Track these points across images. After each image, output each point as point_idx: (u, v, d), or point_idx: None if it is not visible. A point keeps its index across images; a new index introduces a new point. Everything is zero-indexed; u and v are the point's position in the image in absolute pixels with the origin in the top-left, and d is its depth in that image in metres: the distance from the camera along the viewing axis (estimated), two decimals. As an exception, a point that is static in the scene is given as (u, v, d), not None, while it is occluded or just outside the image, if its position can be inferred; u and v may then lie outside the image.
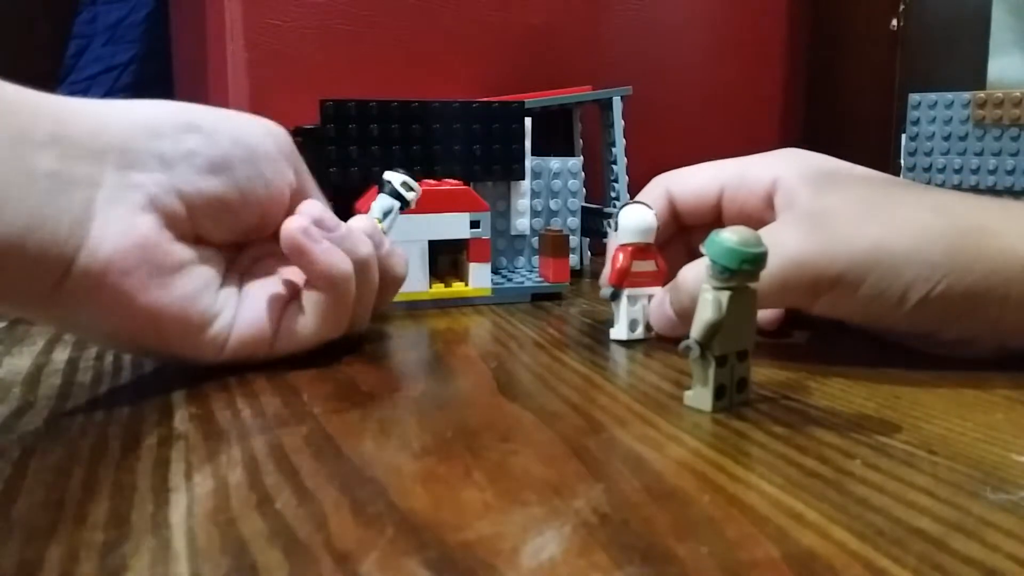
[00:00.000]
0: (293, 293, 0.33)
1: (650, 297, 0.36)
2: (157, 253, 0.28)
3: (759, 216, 0.36)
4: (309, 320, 0.32)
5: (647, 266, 0.36)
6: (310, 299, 0.32)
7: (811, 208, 0.33)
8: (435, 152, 0.48)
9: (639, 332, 0.37)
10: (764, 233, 0.31)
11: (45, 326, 0.39)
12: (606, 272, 0.37)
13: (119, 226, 0.27)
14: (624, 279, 0.36)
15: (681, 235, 0.40)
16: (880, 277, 0.30)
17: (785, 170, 0.35)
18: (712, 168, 0.38)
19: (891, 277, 0.30)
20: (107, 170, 0.27)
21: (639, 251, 0.36)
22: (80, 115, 0.27)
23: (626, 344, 0.36)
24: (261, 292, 0.32)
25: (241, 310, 0.31)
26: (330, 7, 0.62)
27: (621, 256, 0.36)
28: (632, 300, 0.36)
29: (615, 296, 0.36)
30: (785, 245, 0.30)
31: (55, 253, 0.26)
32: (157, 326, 0.29)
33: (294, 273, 0.33)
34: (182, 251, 0.29)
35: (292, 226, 0.31)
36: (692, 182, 0.38)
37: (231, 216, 0.31)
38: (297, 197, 0.34)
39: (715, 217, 0.38)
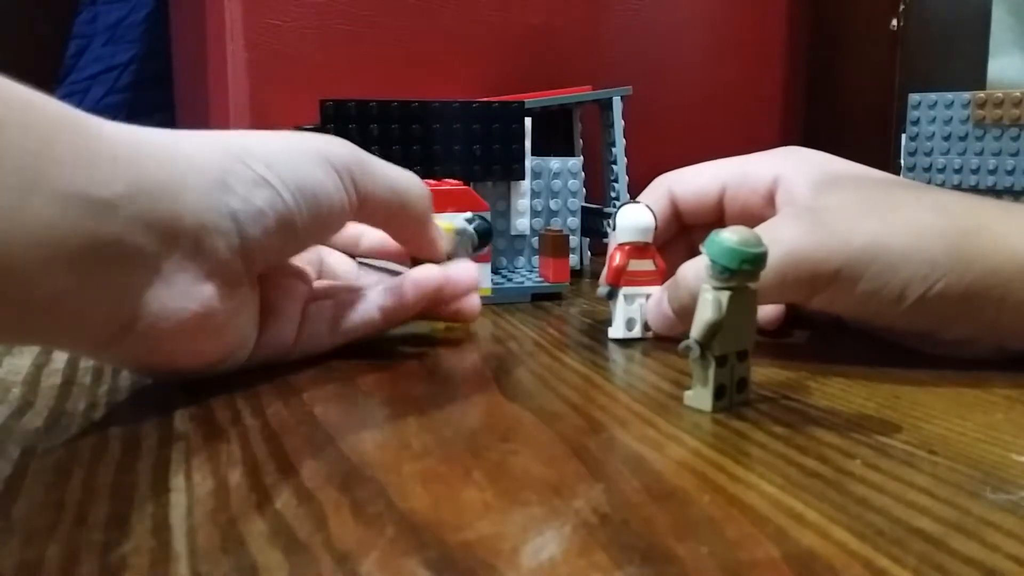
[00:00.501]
0: (310, 297, 0.33)
1: (647, 296, 0.36)
2: (215, 317, 0.27)
3: (761, 214, 0.36)
4: (336, 335, 0.33)
5: (645, 265, 0.36)
6: (348, 315, 0.33)
7: (811, 204, 0.33)
8: (435, 152, 0.48)
9: (636, 331, 0.37)
10: (763, 228, 0.31)
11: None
12: (604, 271, 0.37)
13: (182, 298, 0.26)
14: (620, 278, 0.36)
15: (683, 235, 0.40)
16: (878, 273, 0.30)
17: (786, 168, 0.35)
18: (714, 167, 0.38)
19: (889, 274, 0.30)
20: (179, 239, 0.25)
21: (636, 250, 0.36)
22: (158, 163, 0.25)
23: (626, 344, 0.36)
24: (283, 301, 0.32)
25: (266, 325, 0.31)
26: (330, 7, 0.62)
27: (618, 255, 0.36)
28: (629, 299, 0.36)
29: (611, 295, 0.36)
30: (784, 240, 0.30)
31: (113, 317, 0.25)
32: (205, 367, 0.29)
33: (307, 272, 0.34)
34: (234, 301, 0.28)
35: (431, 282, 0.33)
36: (694, 181, 0.38)
37: (285, 258, 0.32)
38: (359, 209, 0.31)
39: (717, 216, 0.38)
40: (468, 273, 0.35)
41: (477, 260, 0.44)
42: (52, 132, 0.22)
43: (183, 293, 0.26)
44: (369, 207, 0.31)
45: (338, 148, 0.30)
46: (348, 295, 0.34)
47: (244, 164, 0.27)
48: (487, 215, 0.41)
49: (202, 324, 0.27)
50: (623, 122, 0.59)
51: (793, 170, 0.35)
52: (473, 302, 0.37)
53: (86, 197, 0.23)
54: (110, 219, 0.23)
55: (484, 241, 0.40)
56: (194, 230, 0.26)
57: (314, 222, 0.29)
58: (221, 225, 0.26)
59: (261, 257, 0.28)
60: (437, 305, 0.35)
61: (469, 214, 0.40)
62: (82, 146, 0.23)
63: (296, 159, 0.29)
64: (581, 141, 0.61)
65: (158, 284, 0.25)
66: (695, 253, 0.33)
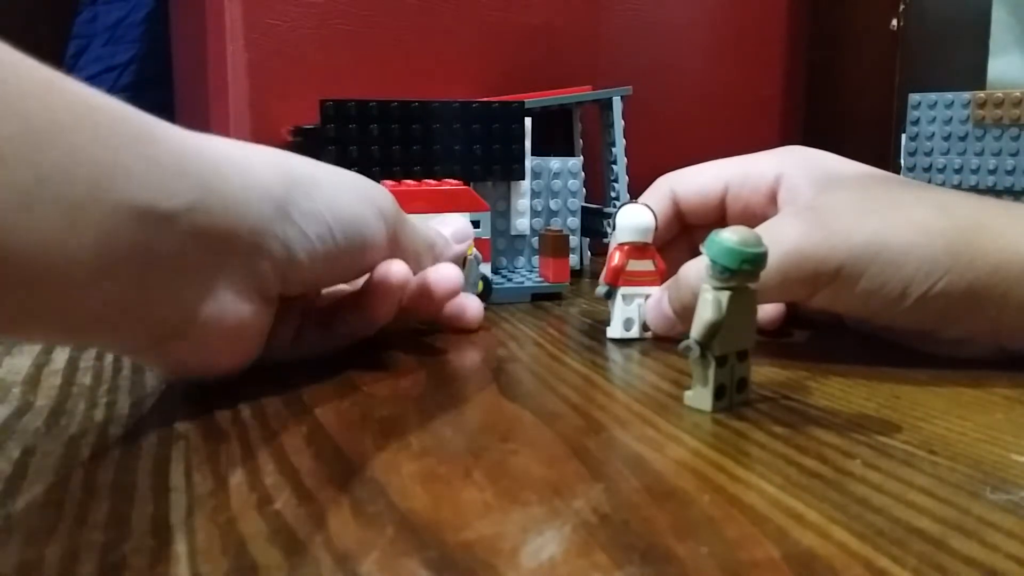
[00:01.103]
0: (308, 298, 0.33)
1: (646, 297, 0.36)
2: (249, 330, 0.28)
3: (763, 213, 0.36)
4: (335, 338, 0.33)
5: (644, 265, 0.36)
6: (346, 322, 0.33)
7: (812, 203, 0.33)
8: (435, 152, 0.48)
9: (634, 331, 0.37)
10: (765, 227, 0.31)
11: None
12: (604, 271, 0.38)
13: (225, 313, 0.26)
14: (619, 278, 0.36)
15: (685, 235, 0.40)
16: (880, 271, 0.30)
17: (788, 166, 0.35)
18: (715, 167, 0.38)
19: (891, 271, 0.30)
20: (232, 257, 0.26)
21: (636, 250, 0.36)
22: (224, 179, 0.25)
23: (626, 344, 0.36)
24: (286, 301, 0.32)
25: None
26: (330, 7, 0.62)
27: (617, 255, 0.36)
28: (628, 299, 0.36)
29: (609, 294, 0.37)
30: (785, 237, 0.30)
31: (158, 325, 0.25)
32: (226, 372, 0.29)
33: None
34: (267, 317, 0.28)
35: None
36: (696, 181, 0.38)
37: (319, 288, 0.33)
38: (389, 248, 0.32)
39: (719, 216, 0.38)
40: (449, 276, 0.35)
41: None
42: (121, 140, 0.22)
43: (227, 308, 0.26)
44: (398, 256, 0.33)
45: (387, 200, 0.32)
46: (343, 298, 0.34)
47: (307, 195, 0.28)
48: (487, 216, 0.42)
49: (238, 336, 0.27)
50: (623, 122, 0.59)
51: (795, 169, 0.35)
52: (474, 310, 0.37)
53: (150, 209, 0.22)
54: (170, 232, 0.23)
55: (485, 292, 0.43)
56: (248, 251, 0.26)
57: (354, 261, 0.30)
58: (273, 250, 0.27)
59: (299, 284, 0.29)
60: (422, 306, 0.35)
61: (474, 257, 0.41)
62: (151, 157, 0.22)
63: (352, 201, 0.30)
64: (581, 141, 0.61)
65: (206, 297, 0.25)
66: (697, 253, 0.33)
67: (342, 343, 0.34)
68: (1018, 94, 0.55)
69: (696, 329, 0.26)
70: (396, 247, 0.32)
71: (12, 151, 0.18)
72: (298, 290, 0.30)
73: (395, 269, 0.31)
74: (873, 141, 0.82)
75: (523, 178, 0.51)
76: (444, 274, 0.35)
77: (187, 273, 0.24)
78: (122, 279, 0.22)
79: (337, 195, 0.29)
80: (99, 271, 0.21)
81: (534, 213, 0.54)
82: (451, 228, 0.38)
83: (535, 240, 0.53)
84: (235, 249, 0.25)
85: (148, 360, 0.29)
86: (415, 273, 0.34)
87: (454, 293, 0.35)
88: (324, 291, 0.35)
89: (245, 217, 0.25)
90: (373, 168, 0.47)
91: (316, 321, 0.33)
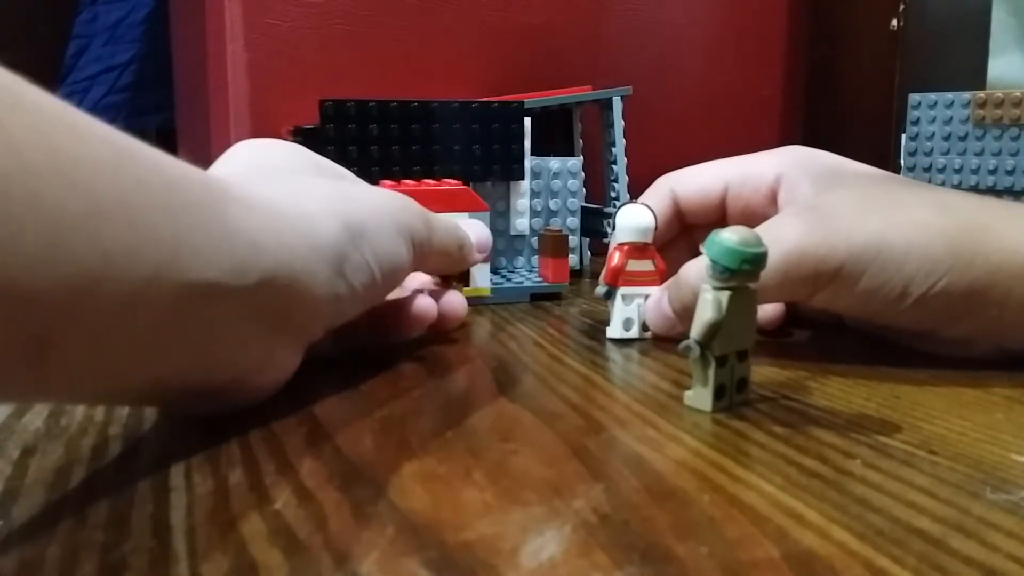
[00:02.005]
0: None
1: (646, 297, 0.36)
2: (294, 369, 0.28)
3: (763, 213, 0.36)
4: (349, 346, 0.34)
5: (644, 266, 0.36)
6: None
7: (813, 202, 0.33)
8: (434, 152, 0.48)
9: (634, 331, 0.37)
10: (765, 227, 0.31)
11: None
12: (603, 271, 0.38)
13: (281, 369, 0.27)
14: (618, 278, 0.36)
15: (685, 235, 0.40)
16: (880, 270, 0.30)
17: (789, 167, 0.35)
18: (716, 167, 0.38)
19: (891, 271, 0.30)
20: (290, 324, 0.26)
21: (635, 251, 0.36)
22: (291, 250, 0.24)
23: (625, 344, 0.36)
24: None
25: None
26: (330, 7, 0.62)
27: (616, 255, 0.36)
28: (627, 299, 0.36)
29: (609, 295, 0.37)
30: (786, 237, 0.30)
31: (210, 385, 0.24)
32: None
33: None
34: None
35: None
36: (696, 181, 0.38)
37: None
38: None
39: (719, 216, 0.38)
40: (459, 307, 0.37)
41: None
42: (192, 219, 0.21)
43: (281, 366, 0.26)
44: (420, 264, 0.34)
45: (416, 219, 0.32)
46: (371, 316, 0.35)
47: (356, 247, 0.27)
48: (486, 216, 0.42)
49: (284, 380, 0.27)
50: (623, 122, 0.59)
51: (795, 169, 0.35)
52: (457, 305, 0.37)
53: (217, 287, 0.21)
54: (235, 307, 0.22)
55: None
56: (307, 316, 0.26)
57: (386, 292, 0.31)
58: (326, 310, 0.27)
59: (339, 323, 0.29)
60: (432, 327, 0.36)
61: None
62: (221, 235, 0.22)
63: (391, 238, 0.30)
64: (581, 141, 0.61)
65: (265, 362, 0.25)
66: (697, 253, 0.33)
67: (354, 348, 0.34)
68: (1018, 94, 0.55)
69: (696, 329, 0.26)
70: (425, 254, 0.33)
71: (79, 230, 0.17)
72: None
73: (426, 305, 0.34)
74: (873, 141, 0.82)
75: (523, 178, 0.51)
76: (456, 306, 0.37)
77: (248, 344, 0.24)
78: (181, 353, 0.22)
79: (380, 239, 0.29)
80: (159, 346, 0.21)
81: (534, 213, 0.54)
82: (474, 238, 0.39)
83: (535, 240, 0.53)
84: (295, 316, 0.26)
85: (191, 411, 0.27)
86: (441, 268, 0.37)
87: (460, 321, 0.38)
88: None
89: (308, 287, 0.25)
90: (372, 168, 0.47)
91: (337, 332, 0.33)
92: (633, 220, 0.36)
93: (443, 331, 0.38)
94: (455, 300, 0.37)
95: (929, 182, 0.59)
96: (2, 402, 0.26)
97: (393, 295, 0.34)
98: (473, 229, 0.39)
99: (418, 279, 0.39)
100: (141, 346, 0.20)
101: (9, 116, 0.16)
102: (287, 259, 0.24)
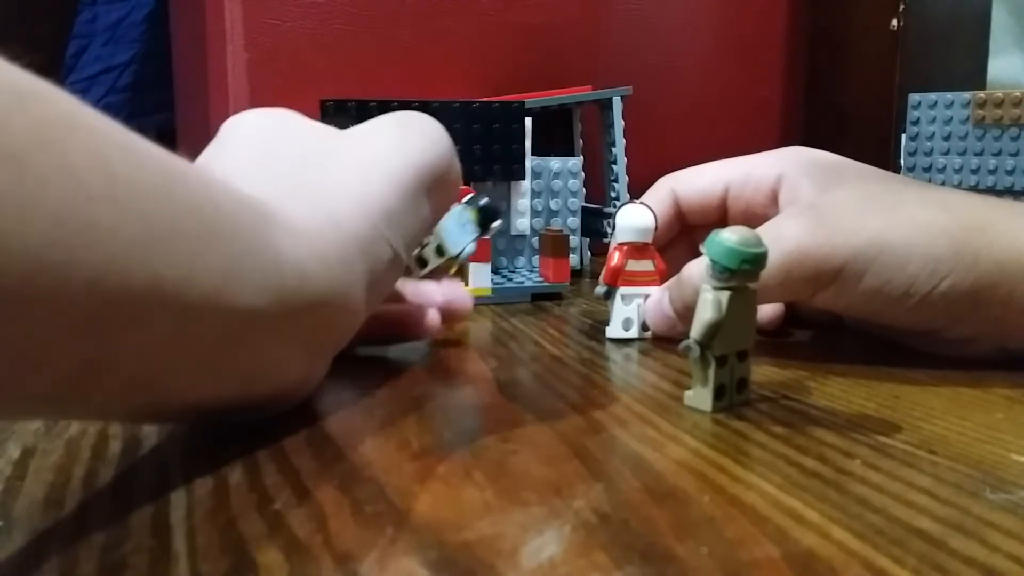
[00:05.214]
0: None
1: (645, 297, 0.36)
2: (319, 382, 0.28)
3: (764, 213, 0.36)
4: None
5: (643, 266, 0.36)
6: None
7: (814, 202, 0.33)
8: (435, 152, 0.48)
9: (633, 331, 0.37)
10: (767, 227, 0.31)
11: None
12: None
13: (315, 379, 0.27)
14: (617, 278, 0.36)
15: (686, 235, 0.40)
16: (882, 270, 0.30)
17: (790, 167, 0.35)
18: (717, 167, 0.38)
19: (893, 271, 0.30)
20: (325, 347, 0.26)
21: (635, 251, 0.36)
22: (331, 276, 0.24)
23: (626, 344, 0.36)
24: None
25: None
26: (330, 7, 0.62)
27: (616, 255, 0.36)
28: (627, 299, 0.36)
29: (608, 294, 0.36)
30: (787, 237, 0.30)
31: (249, 401, 0.24)
32: None
33: None
34: None
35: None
36: (697, 181, 0.38)
37: None
38: None
39: (720, 216, 0.38)
40: (467, 302, 0.37)
41: (482, 259, 0.44)
42: (241, 247, 0.21)
43: (314, 378, 0.26)
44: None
45: (435, 154, 0.29)
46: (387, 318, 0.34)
47: (385, 239, 0.27)
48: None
49: (313, 390, 0.27)
50: (623, 122, 0.59)
51: (796, 169, 0.35)
52: (463, 299, 0.36)
53: (263, 313, 0.21)
54: (280, 330, 0.22)
55: (488, 220, 0.38)
56: (343, 335, 0.27)
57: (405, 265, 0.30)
58: (356, 323, 0.27)
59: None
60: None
61: (469, 196, 0.39)
62: (271, 263, 0.22)
63: (415, 205, 0.28)
64: (581, 141, 0.61)
65: (305, 379, 0.26)
66: (698, 253, 0.33)
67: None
68: (1018, 94, 0.55)
69: (696, 329, 0.26)
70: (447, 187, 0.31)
71: (132, 256, 0.17)
72: None
73: (433, 319, 0.34)
74: (873, 141, 0.82)
75: (523, 178, 0.51)
76: (462, 300, 0.36)
77: (290, 364, 0.24)
78: (227, 375, 0.22)
79: (406, 216, 0.28)
80: (206, 370, 0.21)
81: (534, 213, 0.54)
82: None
83: (535, 240, 0.53)
84: (335, 335, 0.26)
85: (221, 420, 0.27)
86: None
87: (467, 316, 0.37)
88: None
89: (347, 308, 0.25)
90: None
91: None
92: (633, 220, 0.36)
93: (449, 324, 0.37)
94: (460, 294, 0.37)
95: (929, 182, 0.59)
96: (47, 419, 0.26)
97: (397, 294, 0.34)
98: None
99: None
100: (188, 370, 0.20)
101: (67, 138, 0.16)
102: (331, 284, 0.24)
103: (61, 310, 0.16)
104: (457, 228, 0.36)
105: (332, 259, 0.25)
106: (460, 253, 0.37)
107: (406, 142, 0.29)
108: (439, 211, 0.31)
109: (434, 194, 0.29)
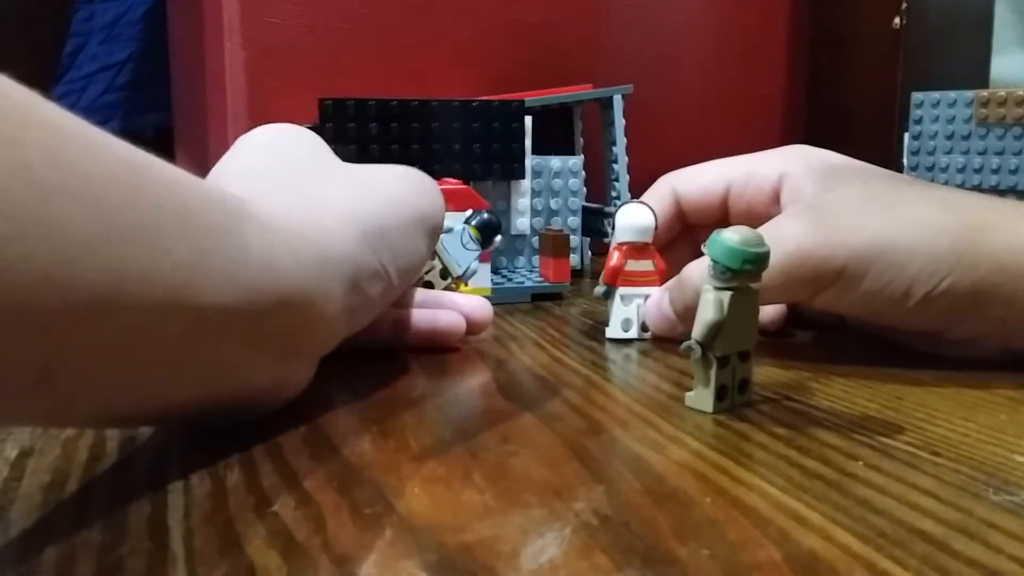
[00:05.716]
0: None
1: (645, 297, 0.36)
2: (301, 388, 0.27)
3: (765, 213, 0.35)
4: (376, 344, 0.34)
5: (643, 266, 0.36)
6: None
7: (815, 201, 0.33)
8: (435, 151, 0.48)
9: (633, 332, 0.36)
10: (768, 227, 0.31)
11: None
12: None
13: (291, 385, 0.26)
14: (616, 278, 0.36)
15: (687, 234, 0.40)
16: (883, 270, 0.30)
17: (791, 166, 0.35)
18: (718, 166, 0.38)
19: (895, 271, 0.30)
20: (303, 349, 0.25)
21: (635, 250, 0.36)
22: (304, 273, 0.24)
23: (626, 344, 0.36)
24: None
25: None
26: (329, 5, 0.62)
27: (615, 255, 0.36)
28: (626, 299, 0.36)
29: (607, 295, 0.36)
30: (788, 237, 0.30)
31: (221, 406, 0.24)
32: None
33: None
34: None
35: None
36: (698, 180, 0.38)
37: None
38: None
39: (721, 215, 0.38)
40: (487, 313, 0.36)
41: (482, 259, 0.43)
42: (209, 243, 0.20)
43: (292, 382, 0.26)
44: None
45: (433, 206, 0.30)
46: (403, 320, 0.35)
47: (374, 253, 0.27)
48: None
49: (294, 395, 0.27)
50: (624, 121, 0.58)
51: (798, 168, 0.35)
52: (484, 311, 0.36)
53: (229, 311, 0.21)
54: (248, 330, 0.22)
55: (489, 235, 0.39)
56: (319, 338, 0.26)
57: (401, 290, 0.30)
58: (340, 327, 0.26)
59: (351, 334, 0.28)
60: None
61: (469, 211, 0.40)
62: (238, 259, 0.21)
63: (408, 234, 0.28)
64: (582, 140, 0.61)
65: (276, 383, 0.25)
66: (699, 253, 0.33)
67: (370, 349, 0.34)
68: (1021, 93, 0.55)
69: (698, 329, 0.26)
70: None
71: (91, 253, 0.17)
72: None
73: (456, 323, 0.34)
74: (875, 140, 0.81)
75: (523, 177, 0.51)
76: (485, 311, 0.36)
77: (261, 367, 0.24)
78: (193, 378, 0.21)
79: (398, 239, 0.28)
80: (170, 372, 0.21)
81: (534, 212, 0.54)
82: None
83: (535, 240, 0.52)
84: (309, 337, 0.25)
85: (198, 424, 0.27)
86: None
87: (487, 326, 0.36)
88: None
89: (323, 308, 0.25)
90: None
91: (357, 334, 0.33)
92: (633, 220, 0.36)
93: (472, 333, 0.37)
94: (481, 303, 0.36)
95: (932, 181, 0.59)
96: (10, 426, 0.25)
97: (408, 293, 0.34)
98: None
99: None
100: (152, 372, 0.20)
101: (21, 134, 0.16)
102: (303, 282, 0.24)
103: (14, 310, 0.15)
104: (458, 248, 0.37)
105: (308, 258, 0.24)
106: (465, 271, 0.37)
107: (411, 183, 0.30)
108: (429, 254, 0.31)
109: (428, 239, 0.30)
